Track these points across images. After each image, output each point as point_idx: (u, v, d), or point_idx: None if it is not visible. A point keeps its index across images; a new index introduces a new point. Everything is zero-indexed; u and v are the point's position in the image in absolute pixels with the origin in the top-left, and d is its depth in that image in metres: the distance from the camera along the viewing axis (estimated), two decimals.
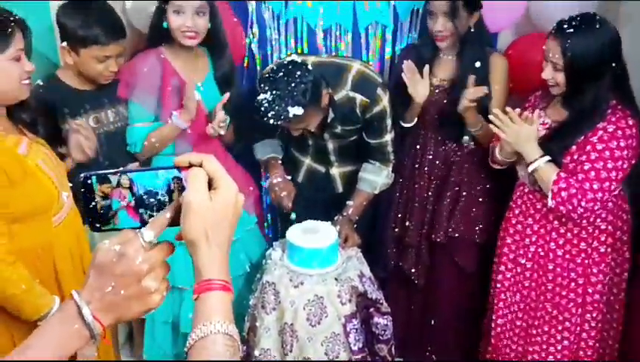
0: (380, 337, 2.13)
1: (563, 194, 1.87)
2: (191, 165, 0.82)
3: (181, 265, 2.30)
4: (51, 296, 1.67)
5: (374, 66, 2.59)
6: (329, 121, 2.16)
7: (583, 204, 1.86)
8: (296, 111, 1.92)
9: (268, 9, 2.55)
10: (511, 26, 2.54)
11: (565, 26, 1.87)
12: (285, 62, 1.99)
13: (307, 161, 2.40)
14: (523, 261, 2.12)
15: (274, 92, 1.92)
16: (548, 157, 1.92)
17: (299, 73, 1.93)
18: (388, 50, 2.58)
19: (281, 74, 1.93)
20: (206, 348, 0.73)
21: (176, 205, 0.81)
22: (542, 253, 2.08)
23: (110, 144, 2.18)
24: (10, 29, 1.58)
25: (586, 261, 2.03)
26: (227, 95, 2.18)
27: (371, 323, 2.13)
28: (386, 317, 2.13)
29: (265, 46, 2.61)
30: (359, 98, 2.12)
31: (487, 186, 2.40)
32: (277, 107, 1.91)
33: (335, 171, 2.39)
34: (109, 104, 2.18)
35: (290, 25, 2.56)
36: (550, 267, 2.07)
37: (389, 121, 2.20)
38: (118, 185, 0.84)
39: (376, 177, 2.29)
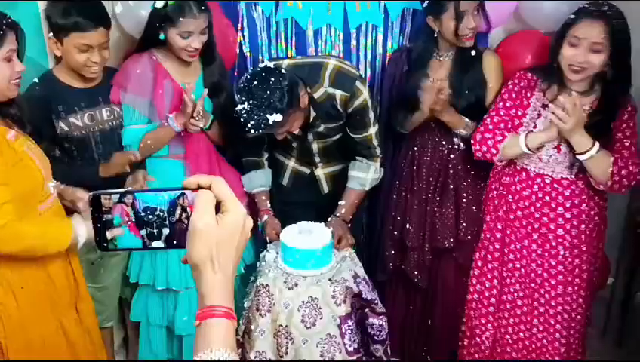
0: (376, 337, 2.12)
1: (623, 172, 1.98)
2: (199, 187, 0.81)
3: (175, 268, 2.31)
4: (67, 223, 1.75)
5: (366, 66, 2.60)
6: (311, 120, 2.16)
7: (638, 177, 2.01)
8: (275, 118, 1.91)
9: (258, 11, 2.55)
10: (502, 24, 2.54)
11: (604, 9, 1.91)
12: (258, 69, 1.99)
13: (291, 164, 2.39)
14: (538, 251, 2.19)
15: (251, 101, 1.91)
16: (598, 144, 1.98)
17: (273, 79, 1.92)
18: (379, 50, 2.58)
19: (256, 82, 1.93)
20: None
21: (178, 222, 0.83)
22: (571, 237, 2.14)
23: (105, 142, 2.20)
24: (2, 31, 1.63)
25: (595, 232, 2.15)
26: (206, 91, 2.19)
27: (366, 324, 2.12)
28: (381, 317, 2.12)
29: (256, 48, 2.60)
30: (339, 93, 2.12)
31: (484, 184, 2.40)
32: (256, 116, 1.91)
33: (320, 172, 2.39)
34: (104, 102, 2.19)
35: (280, 26, 2.56)
36: (584, 249, 2.15)
37: (371, 114, 2.20)
38: (120, 200, 0.86)
39: (364, 174, 2.29)
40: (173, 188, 0.85)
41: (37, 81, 2.10)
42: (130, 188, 0.85)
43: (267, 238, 2.29)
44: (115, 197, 0.86)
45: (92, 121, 2.17)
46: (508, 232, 2.25)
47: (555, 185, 2.12)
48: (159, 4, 2.09)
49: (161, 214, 0.86)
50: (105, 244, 0.88)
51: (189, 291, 2.37)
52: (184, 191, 0.84)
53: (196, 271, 0.78)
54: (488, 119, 2.21)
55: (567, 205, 2.12)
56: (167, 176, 2.32)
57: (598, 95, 2.03)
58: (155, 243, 0.88)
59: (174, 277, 2.33)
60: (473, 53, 2.24)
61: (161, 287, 2.34)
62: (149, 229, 0.87)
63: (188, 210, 0.84)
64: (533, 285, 2.21)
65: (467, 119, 2.26)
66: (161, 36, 2.14)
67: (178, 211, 0.85)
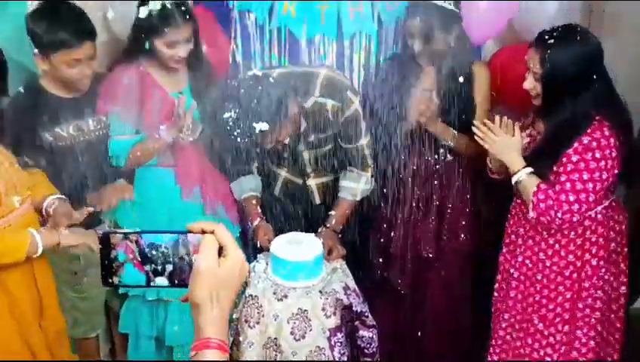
0: (366, 350, 2.10)
1: (541, 205, 1.90)
2: (203, 232, 0.90)
3: None
4: (23, 235, 1.71)
5: (359, 75, 2.59)
6: (302, 130, 2.14)
7: (559, 215, 1.88)
8: (261, 126, 1.90)
9: (252, 19, 2.54)
10: (495, 37, 2.54)
11: (546, 36, 1.88)
12: (246, 77, 1.97)
13: (283, 174, 2.37)
14: (512, 271, 2.12)
15: (237, 110, 1.89)
16: (530, 169, 1.93)
17: (260, 88, 1.91)
18: (372, 59, 2.57)
19: (243, 90, 1.91)
20: None
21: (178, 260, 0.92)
22: (530, 264, 2.07)
23: (91, 152, 2.17)
24: None
25: (575, 274, 2.01)
26: (194, 103, 2.18)
27: (356, 337, 2.09)
28: (371, 330, 2.10)
29: (249, 56, 2.59)
30: (330, 103, 2.10)
31: (470, 195, 2.40)
32: (242, 125, 1.89)
33: (312, 182, 2.37)
34: (91, 112, 2.16)
35: (274, 34, 2.55)
36: (538, 278, 2.05)
37: (363, 125, 2.19)
38: (126, 237, 0.92)
39: (355, 184, 2.27)
40: (177, 231, 0.92)
41: (22, 90, 2.06)
42: (137, 229, 0.94)
43: (258, 243, 2.26)
44: (121, 234, 0.91)
45: (78, 131, 2.14)
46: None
47: (522, 207, 2.08)
48: (143, 14, 2.07)
49: (165, 251, 0.92)
50: (110, 280, 0.94)
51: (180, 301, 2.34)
52: (188, 233, 0.91)
53: (196, 309, 0.87)
54: None
55: (527, 228, 2.07)
56: (157, 185, 2.30)
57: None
58: (158, 280, 0.93)
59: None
60: (453, 65, 2.23)
61: (152, 298, 2.32)
62: (152, 266, 0.93)
63: (190, 250, 0.91)
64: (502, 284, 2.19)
65: (454, 130, 2.25)
66: (147, 46, 2.12)
67: (182, 251, 0.92)
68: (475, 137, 2.00)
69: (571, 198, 1.87)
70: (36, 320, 1.86)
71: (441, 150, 2.33)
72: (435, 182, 2.37)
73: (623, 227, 2.06)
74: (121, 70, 2.19)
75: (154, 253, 0.92)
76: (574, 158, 1.87)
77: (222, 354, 0.85)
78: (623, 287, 2.08)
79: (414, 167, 2.38)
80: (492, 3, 2.32)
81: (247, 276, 0.92)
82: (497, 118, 1.99)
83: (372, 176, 2.31)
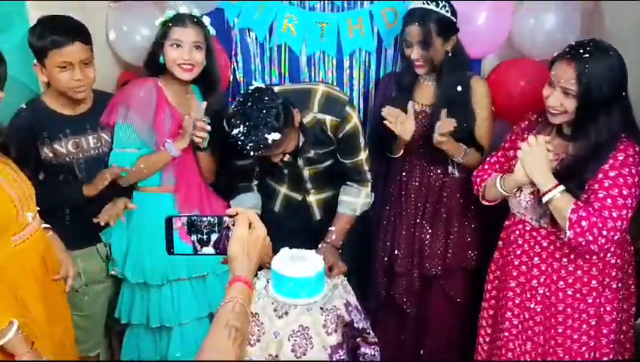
0: None
1: (583, 223, 1.74)
2: (237, 214, 1.24)
3: (168, 305, 2.29)
4: (8, 318, 1.62)
5: (359, 92, 2.61)
6: (301, 145, 2.14)
7: (604, 233, 1.74)
8: (274, 136, 1.89)
9: (252, 36, 2.56)
10: (494, 51, 2.55)
11: (580, 50, 1.76)
12: (250, 91, 1.97)
13: (283, 190, 2.36)
14: (531, 305, 1.99)
15: (247, 123, 1.89)
16: (563, 187, 1.80)
17: (267, 99, 1.91)
18: (372, 76, 2.59)
19: (250, 104, 1.91)
20: (226, 308, 1.17)
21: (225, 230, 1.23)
22: (548, 294, 1.96)
23: (90, 170, 2.16)
24: None
25: (598, 300, 1.91)
26: (205, 103, 2.20)
27: (358, 354, 2.07)
28: (373, 347, 2.07)
29: (249, 74, 2.61)
30: (328, 119, 2.10)
31: (475, 212, 2.38)
32: (254, 137, 1.88)
33: (312, 199, 2.36)
34: (91, 130, 2.17)
35: (274, 52, 2.57)
36: (560, 308, 1.94)
37: (361, 139, 2.18)
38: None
39: (355, 198, 2.26)
40: (220, 215, 1.22)
41: (24, 106, 2.08)
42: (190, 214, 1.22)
43: None
44: None
45: (76, 148, 2.14)
46: (499, 273, 2.14)
47: (534, 234, 1.97)
48: (158, 22, 2.17)
49: (212, 220, 1.21)
50: (172, 250, 1.21)
51: (182, 327, 2.32)
52: (227, 215, 1.22)
53: (232, 262, 1.21)
54: (488, 158, 2.16)
55: (544, 256, 1.95)
56: (157, 209, 2.28)
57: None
58: (205, 250, 1.22)
59: (167, 314, 2.29)
60: (450, 76, 2.22)
61: (155, 325, 2.29)
62: (199, 235, 1.20)
63: (230, 225, 1.22)
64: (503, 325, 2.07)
65: (465, 146, 2.23)
66: (161, 59, 2.16)
67: (226, 221, 1.22)
68: (518, 152, 1.86)
69: (615, 215, 1.74)
70: (49, 329, 1.82)
71: (450, 167, 2.31)
72: (444, 199, 2.34)
73: (632, 248, 1.99)
74: (137, 82, 2.22)
75: (199, 223, 1.19)
76: (612, 174, 1.76)
77: (247, 287, 1.22)
78: (633, 309, 2.02)
79: (416, 183, 2.37)
80: (488, 18, 2.34)
81: (267, 244, 1.30)
82: (531, 137, 1.84)
83: (371, 190, 2.30)
